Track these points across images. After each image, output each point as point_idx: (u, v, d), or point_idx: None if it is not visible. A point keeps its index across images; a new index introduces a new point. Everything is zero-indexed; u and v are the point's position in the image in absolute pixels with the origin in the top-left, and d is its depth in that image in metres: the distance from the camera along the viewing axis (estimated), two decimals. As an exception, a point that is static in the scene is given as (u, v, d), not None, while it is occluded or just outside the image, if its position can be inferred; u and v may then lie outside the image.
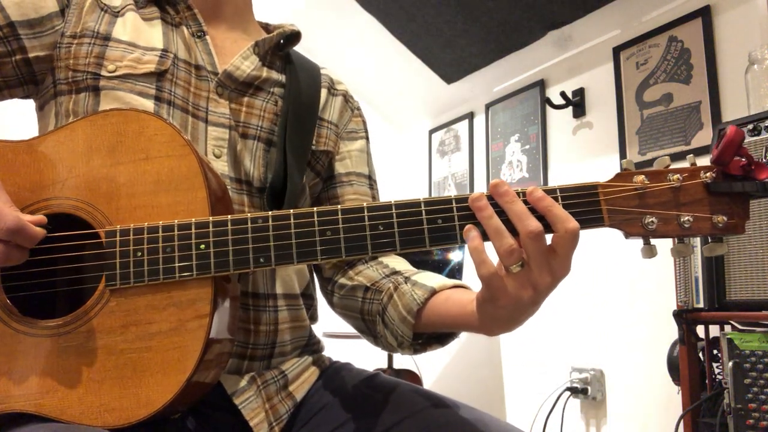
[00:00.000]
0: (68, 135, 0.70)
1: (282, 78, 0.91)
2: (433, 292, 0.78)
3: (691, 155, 0.68)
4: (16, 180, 0.69)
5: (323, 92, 0.96)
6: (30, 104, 0.87)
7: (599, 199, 0.65)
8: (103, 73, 0.78)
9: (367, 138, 1.01)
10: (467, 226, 0.65)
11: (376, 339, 0.87)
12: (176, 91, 0.80)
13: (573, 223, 0.62)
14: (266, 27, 1.01)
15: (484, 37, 2.65)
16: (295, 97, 0.90)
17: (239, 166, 0.83)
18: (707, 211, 0.64)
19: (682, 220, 0.64)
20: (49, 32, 0.80)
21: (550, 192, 0.65)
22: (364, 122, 1.02)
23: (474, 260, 0.64)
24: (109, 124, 0.70)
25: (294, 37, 0.94)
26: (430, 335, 0.82)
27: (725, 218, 0.64)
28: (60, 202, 0.68)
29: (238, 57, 0.86)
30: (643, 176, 0.65)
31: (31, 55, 0.79)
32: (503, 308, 0.65)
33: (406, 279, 0.83)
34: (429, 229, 0.66)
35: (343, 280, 0.90)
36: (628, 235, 0.66)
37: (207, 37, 0.86)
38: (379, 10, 2.77)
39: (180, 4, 0.87)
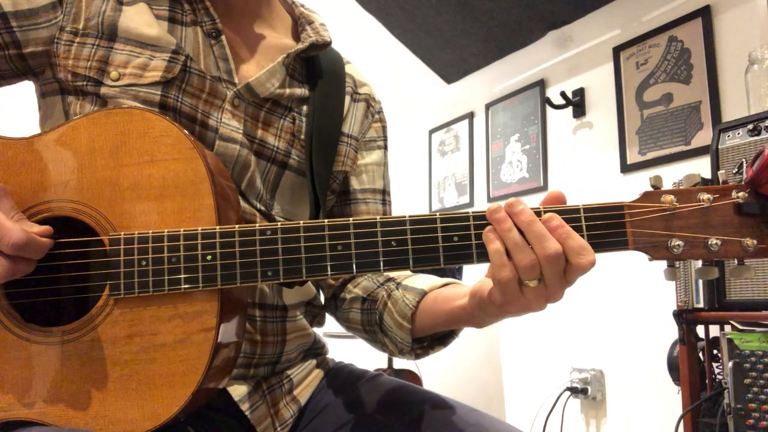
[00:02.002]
0: (70, 134, 0.67)
1: (304, 91, 0.85)
2: (423, 294, 0.78)
3: (723, 172, 0.65)
4: (17, 180, 0.67)
5: (347, 100, 0.91)
6: (31, 102, 0.84)
7: (625, 221, 0.62)
8: (106, 81, 0.73)
9: (385, 146, 0.97)
10: (487, 228, 0.62)
11: (382, 347, 0.87)
12: (184, 98, 0.75)
13: (586, 258, 0.59)
14: (291, 9, 0.93)
15: (484, 37, 2.64)
16: (320, 116, 0.84)
17: (246, 185, 0.78)
18: (737, 234, 0.61)
19: (710, 243, 0.61)
20: (44, 25, 0.74)
21: (574, 212, 0.62)
22: (384, 127, 0.98)
23: (494, 263, 0.61)
24: (113, 123, 0.67)
25: (324, 46, 0.88)
26: (432, 338, 0.81)
27: (755, 242, 0.61)
28: (62, 205, 0.66)
29: (265, 72, 0.80)
30: (672, 196, 0.62)
31: (25, 50, 0.74)
32: (510, 312, 0.64)
33: (398, 285, 0.82)
34: (444, 247, 0.63)
35: (343, 295, 0.90)
36: (652, 258, 0.63)
37: (223, 37, 0.79)
38: (379, 10, 2.77)
39: None
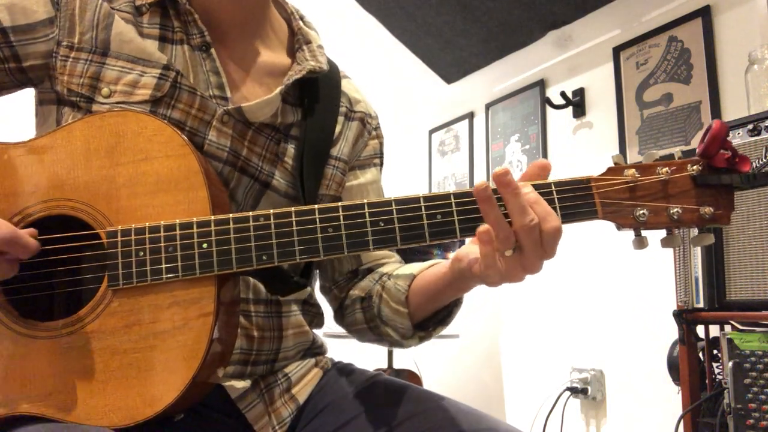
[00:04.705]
0: (66, 136, 0.70)
1: (296, 116, 0.86)
2: (413, 278, 0.81)
3: (678, 149, 0.70)
4: (14, 183, 0.69)
5: (339, 121, 0.90)
6: (30, 104, 0.85)
7: (592, 192, 0.68)
8: (97, 98, 0.75)
9: (381, 163, 0.97)
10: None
11: (388, 340, 0.87)
12: (172, 115, 0.76)
13: (550, 224, 0.63)
14: (288, 18, 0.92)
15: (484, 37, 2.64)
16: (309, 140, 0.85)
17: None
18: (694, 203, 0.67)
19: (671, 211, 0.67)
20: (42, 40, 0.76)
21: (545, 186, 0.67)
22: (381, 143, 0.97)
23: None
24: (108, 125, 0.70)
25: (319, 73, 0.87)
26: (432, 320, 0.83)
27: (712, 209, 0.66)
28: (60, 204, 0.68)
29: (260, 102, 0.80)
30: (633, 170, 0.68)
31: (25, 64, 0.76)
32: (488, 281, 0.67)
33: (389, 276, 0.85)
34: (429, 224, 0.67)
35: (346, 302, 0.91)
36: (620, 226, 0.68)
37: (212, 50, 0.80)
38: (379, 10, 2.77)
39: (181, 8, 0.79)
